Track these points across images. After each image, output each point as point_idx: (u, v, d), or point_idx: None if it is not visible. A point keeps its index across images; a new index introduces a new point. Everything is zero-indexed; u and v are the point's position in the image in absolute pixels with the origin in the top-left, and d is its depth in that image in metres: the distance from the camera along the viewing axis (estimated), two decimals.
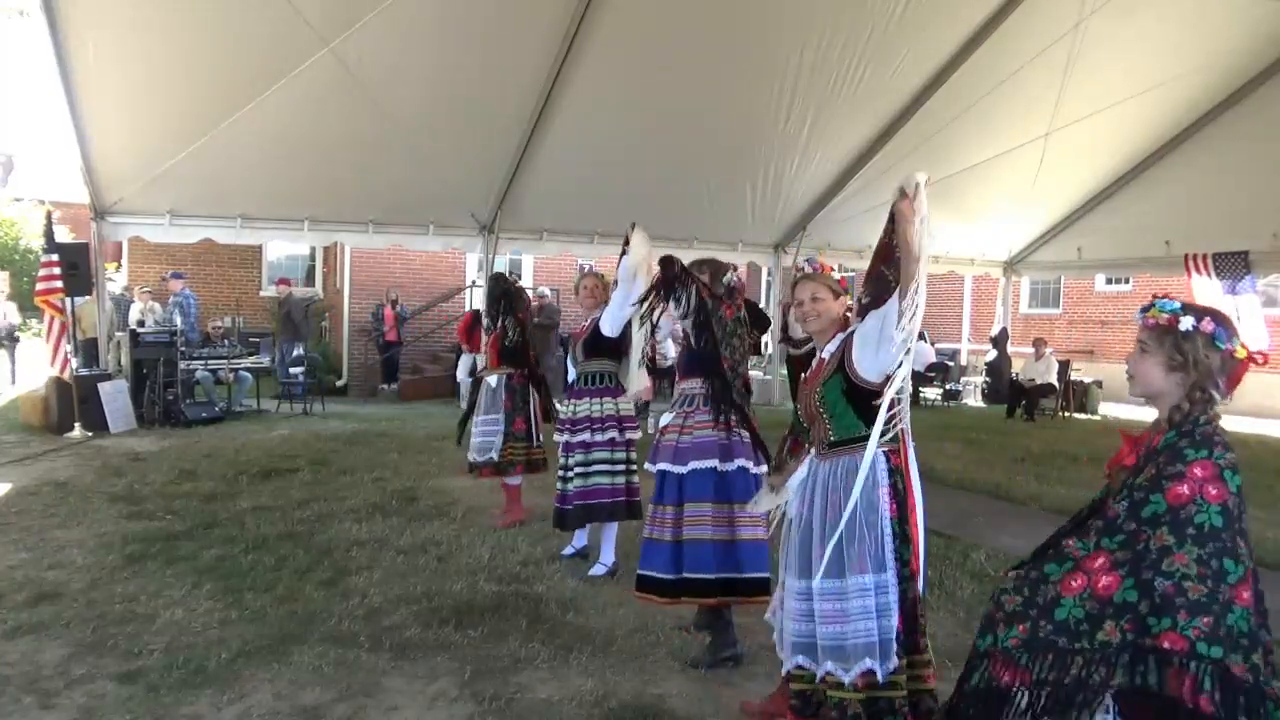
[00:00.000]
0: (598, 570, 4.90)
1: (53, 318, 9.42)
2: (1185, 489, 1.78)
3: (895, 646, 2.53)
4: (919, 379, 15.10)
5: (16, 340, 13.57)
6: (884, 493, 2.61)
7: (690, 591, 3.66)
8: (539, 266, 16.18)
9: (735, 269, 4.01)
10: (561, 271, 16.09)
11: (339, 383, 14.48)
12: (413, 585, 4.67)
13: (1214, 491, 1.78)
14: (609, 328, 4.68)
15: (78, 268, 9.63)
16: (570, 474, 4.83)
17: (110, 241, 10.61)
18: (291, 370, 12.39)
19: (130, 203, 9.56)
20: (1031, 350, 13.82)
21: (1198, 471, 1.80)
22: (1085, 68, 9.38)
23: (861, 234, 12.78)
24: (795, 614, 2.71)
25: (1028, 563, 2.09)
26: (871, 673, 2.51)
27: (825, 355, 2.88)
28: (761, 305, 16.05)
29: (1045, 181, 11.65)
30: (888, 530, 2.58)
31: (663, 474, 3.74)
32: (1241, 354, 1.94)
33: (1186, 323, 1.93)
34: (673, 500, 3.70)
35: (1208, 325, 1.93)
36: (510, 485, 5.98)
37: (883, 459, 2.62)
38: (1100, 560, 1.82)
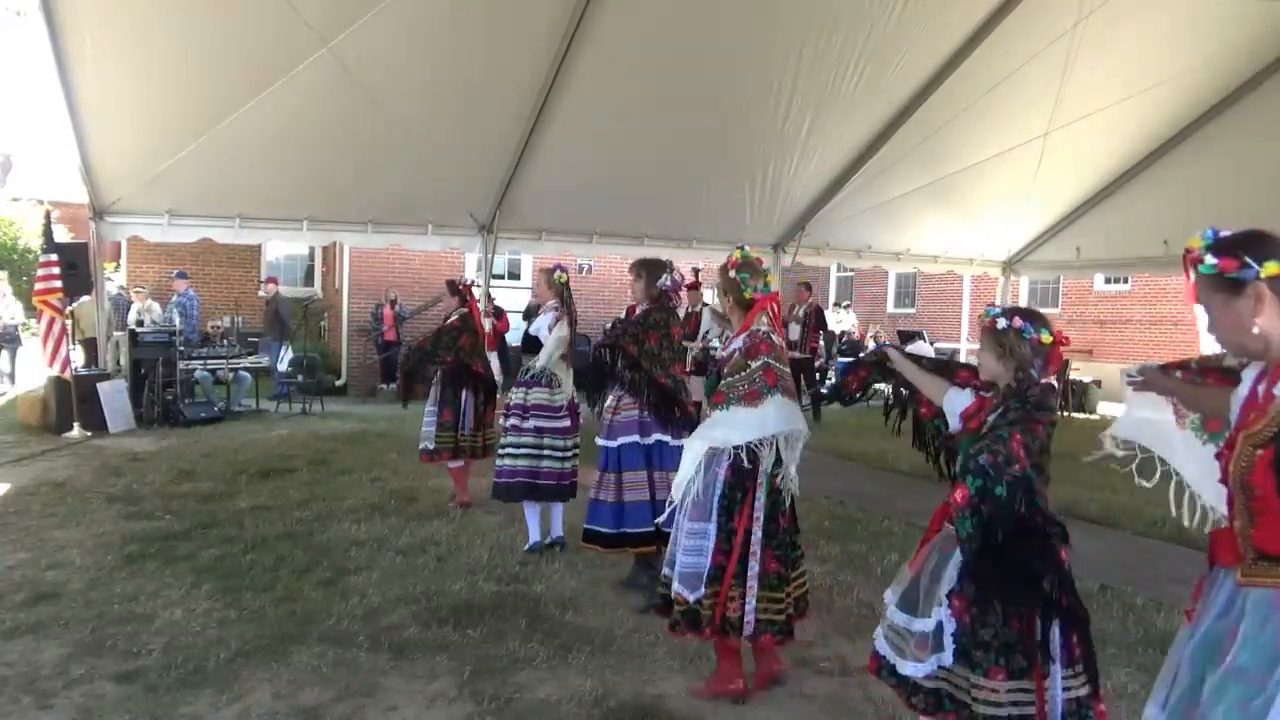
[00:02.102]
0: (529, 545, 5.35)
1: (52, 318, 9.41)
2: (1039, 430, 2.40)
3: (701, 580, 3.32)
4: None
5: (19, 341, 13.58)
6: (722, 461, 3.33)
7: (629, 543, 4.43)
8: (538, 266, 16.19)
9: (671, 270, 4.49)
10: None
11: (338, 382, 14.48)
12: (412, 585, 4.68)
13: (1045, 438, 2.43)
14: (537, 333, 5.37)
15: (76, 267, 9.63)
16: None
17: (109, 241, 10.59)
18: (281, 370, 12.40)
19: (129, 202, 9.54)
20: None
21: (1038, 424, 2.40)
22: (1084, 67, 9.37)
23: (860, 234, 12.78)
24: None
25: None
26: (683, 593, 3.35)
27: (723, 354, 3.52)
28: None
29: (1044, 181, 11.64)
30: (716, 491, 3.32)
31: (602, 448, 4.47)
32: (1048, 340, 2.50)
33: (1001, 323, 2.53)
34: (613, 468, 4.43)
35: (1017, 322, 2.51)
36: (452, 469, 6.58)
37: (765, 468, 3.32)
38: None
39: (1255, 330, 1.77)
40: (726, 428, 3.32)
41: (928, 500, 2.77)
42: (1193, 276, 1.86)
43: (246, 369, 11.83)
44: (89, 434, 9.22)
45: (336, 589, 4.61)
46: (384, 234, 11.06)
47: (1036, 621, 2.35)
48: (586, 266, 15.81)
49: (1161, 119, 10.90)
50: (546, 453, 5.20)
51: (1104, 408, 14.13)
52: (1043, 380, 2.47)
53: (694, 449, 3.38)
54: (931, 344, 16.07)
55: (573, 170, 10.07)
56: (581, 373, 4.73)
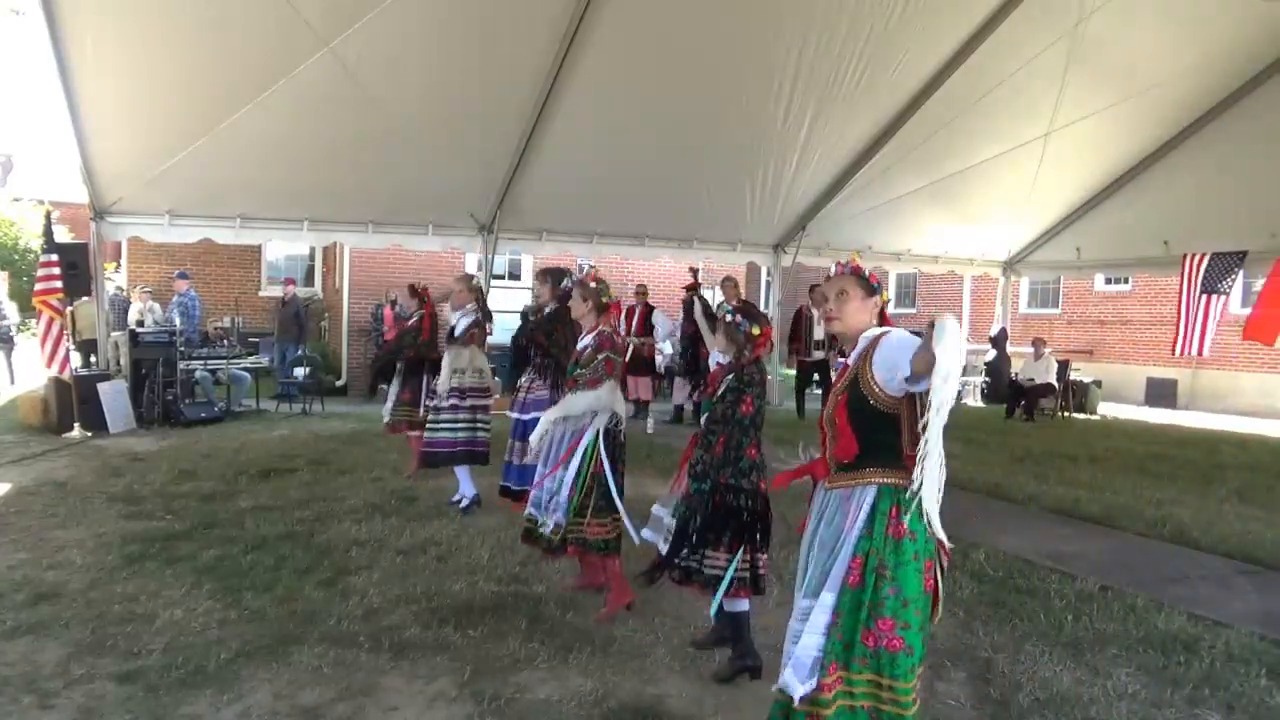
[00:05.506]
0: (461, 501, 6.37)
1: (51, 319, 9.40)
2: (746, 407, 3.47)
3: (560, 514, 4.28)
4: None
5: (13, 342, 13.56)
6: (588, 427, 4.32)
7: (521, 498, 5.10)
8: (538, 266, 16.18)
9: (570, 275, 5.32)
10: None
11: (338, 383, 14.48)
12: (412, 585, 4.68)
13: (752, 408, 3.48)
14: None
15: (77, 268, 9.63)
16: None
17: (110, 241, 10.60)
18: (295, 370, 12.41)
19: (130, 203, 9.56)
20: (1031, 350, 13.82)
21: (747, 398, 3.47)
22: (1085, 68, 9.38)
23: (861, 234, 12.79)
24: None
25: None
26: (558, 524, 4.31)
27: (579, 346, 4.46)
28: (762, 306, 16.10)
29: (1044, 181, 11.65)
30: (579, 453, 4.29)
31: (515, 419, 5.42)
32: (756, 332, 3.55)
33: (729, 318, 3.62)
34: (519, 436, 5.24)
35: (737, 319, 3.58)
36: (411, 438, 7.46)
37: (601, 429, 4.31)
38: (721, 438, 3.49)
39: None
40: (574, 405, 4.32)
41: None
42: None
43: (247, 369, 11.83)
44: (89, 434, 9.22)
45: (337, 589, 4.61)
46: (384, 234, 11.08)
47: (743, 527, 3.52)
48: (586, 266, 15.81)
49: (1161, 119, 10.92)
50: (479, 426, 6.36)
51: (1104, 408, 14.15)
52: (752, 357, 3.56)
53: (547, 417, 4.39)
54: None
55: (573, 170, 10.08)
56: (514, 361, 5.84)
